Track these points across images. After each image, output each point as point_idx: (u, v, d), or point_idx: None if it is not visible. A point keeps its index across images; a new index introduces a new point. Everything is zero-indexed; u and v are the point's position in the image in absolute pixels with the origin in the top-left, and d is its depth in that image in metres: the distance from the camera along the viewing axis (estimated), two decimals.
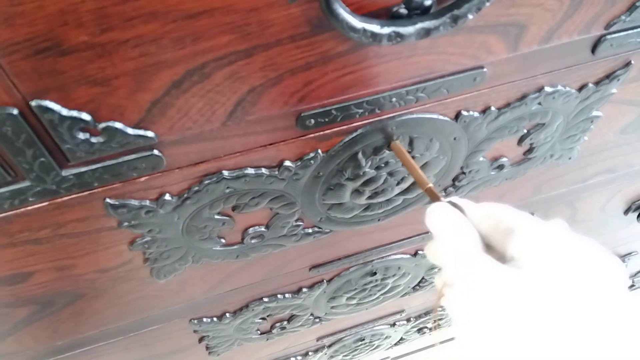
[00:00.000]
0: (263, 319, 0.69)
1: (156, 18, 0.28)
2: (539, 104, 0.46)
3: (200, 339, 0.68)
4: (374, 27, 0.31)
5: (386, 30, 0.31)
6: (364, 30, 0.31)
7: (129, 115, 0.33)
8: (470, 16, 0.32)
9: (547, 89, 0.45)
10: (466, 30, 0.36)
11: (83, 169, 0.35)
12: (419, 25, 0.32)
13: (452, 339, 1.15)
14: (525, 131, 0.50)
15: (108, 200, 0.38)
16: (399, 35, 0.32)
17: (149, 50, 0.29)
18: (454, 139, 0.46)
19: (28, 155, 0.32)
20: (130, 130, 0.33)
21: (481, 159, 0.51)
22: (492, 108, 0.45)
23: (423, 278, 0.76)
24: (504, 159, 0.53)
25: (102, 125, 0.32)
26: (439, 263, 0.33)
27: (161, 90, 0.32)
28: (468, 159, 0.50)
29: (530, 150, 0.53)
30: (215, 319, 0.63)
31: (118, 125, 0.33)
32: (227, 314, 0.64)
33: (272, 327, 0.73)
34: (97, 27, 0.27)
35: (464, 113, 0.44)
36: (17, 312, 0.47)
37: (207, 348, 0.70)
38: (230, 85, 0.33)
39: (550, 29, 0.39)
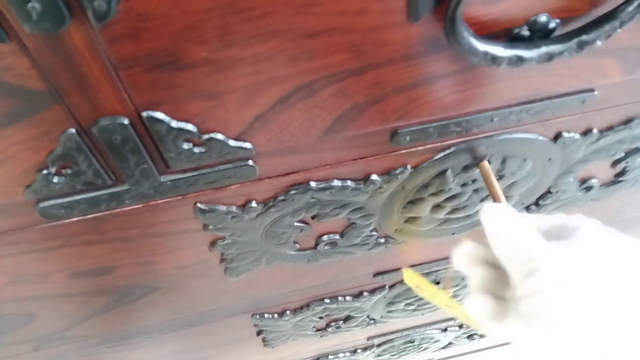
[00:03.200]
0: (321, 317, 0.69)
1: (276, 36, 0.27)
2: None
3: (259, 332, 0.68)
4: (497, 51, 0.29)
5: (508, 53, 0.30)
6: (486, 53, 0.29)
7: (232, 128, 0.32)
8: (599, 43, 0.30)
9: None
10: (585, 53, 0.34)
11: (180, 176, 0.35)
12: (543, 50, 0.30)
13: (499, 344, 1.11)
14: (622, 154, 0.47)
15: (199, 205, 0.39)
16: (520, 60, 0.30)
17: (264, 67, 0.28)
18: (549, 159, 0.44)
19: (132, 162, 0.33)
20: (231, 142, 0.33)
21: (571, 179, 0.49)
22: (594, 131, 0.42)
23: None
24: (594, 180, 0.50)
25: (206, 136, 0.32)
26: (504, 252, 0.31)
27: (267, 105, 0.31)
28: (558, 179, 0.48)
29: (622, 172, 0.50)
30: (276, 315, 0.64)
31: (220, 136, 0.32)
32: (288, 312, 0.64)
33: (328, 325, 0.73)
34: (219, 44, 0.26)
35: (565, 135, 0.42)
36: (96, 301, 0.49)
37: (263, 340, 0.71)
38: (334, 102, 0.32)
39: None
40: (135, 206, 0.37)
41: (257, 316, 0.62)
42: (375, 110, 0.34)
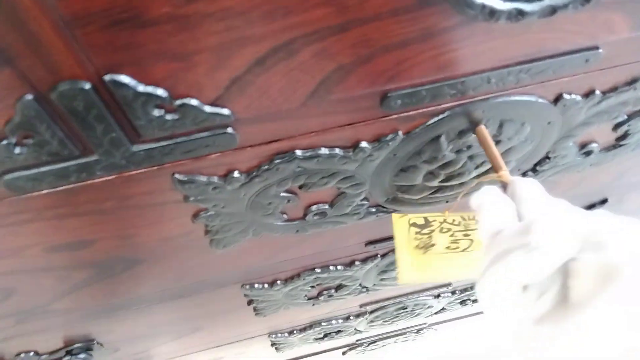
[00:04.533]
0: (312, 287, 0.68)
1: None
2: None
3: (250, 302, 0.67)
4: (495, 3, 0.26)
5: (507, 6, 0.27)
6: (483, 6, 0.26)
7: (206, 93, 0.30)
8: None
9: None
10: (591, 6, 0.31)
11: (154, 145, 0.33)
12: (546, 3, 0.27)
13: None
14: (625, 117, 0.45)
15: (177, 175, 0.36)
16: (520, 13, 0.27)
17: (235, 24, 0.26)
18: (548, 123, 0.42)
19: (98, 131, 0.30)
20: (206, 108, 0.30)
21: (570, 144, 0.46)
22: (597, 92, 0.40)
23: None
24: (594, 145, 0.48)
25: (178, 102, 0.29)
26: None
27: (243, 67, 0.28)
28: (557, 144, 0.46)
29: (624, 136, 0.48)
30: (266, 285, 0.63)
31: (194, 102, 0.30)
32: (278, 282, 0.63)
33: (320, 294, 0.72)
34: None
35: (566, 96, 0.39)
36: (76, 274, 0.47)
37: (254, 309, 0.71)
38: (316, 63, 0.30)
39: None
40: (108, 177, 0.35)
41: (247, 286, 0.61)
42: (362, 72, 0.31)
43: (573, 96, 0.39)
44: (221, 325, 0.74)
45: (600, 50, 0.35)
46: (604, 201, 0.65)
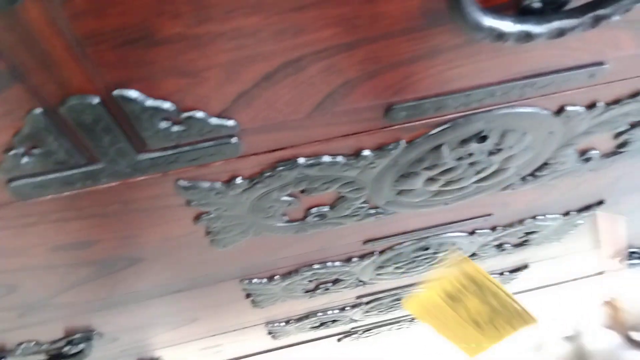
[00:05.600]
0: (310, 281, 0.69)
1: (260, 10, 0.24)
2: None
3: (248, 295, 0.68)
4: (504, 26, 0.26)
5: (516, 29, 0.27)
6: (492, 29, 0.26)
7: (213, 105, 0.30)
8: (617, 17, 0.27)
9: None
10: (598, 25, 0.31)
11: (159, 154, 0.33)
12: (555, 25, 0.27)
13: None
14: (627, 127, 0.45)
15: (180, 182, 0.37)
16: (528, 36, 0.27)
17: (246, 43, 0.26)
18: (549, 132, 0.42)
19: (105, 141, 0.30)
20: (212, 120, 0.30)
21: (571, 151, 0.47)
22: (600, 104, 0.40)
23: (474, 253, 0.74)
24: (594, 152, 0.49)
25: (185, 115, 0.30)
26: None
27: (251, 82, 0.28)
28: (557, 151, 0.46)
29: (624, 144, 0.49)
30: (265, 280, 0.63)
31: (200, 115, 0.30)
32: (277, 277, 0.64)
33: (317, 287, 0.73)
34: (194, 19, 0.24)
35: (569, 108, 0.39)
36: (78, 272, 0.48)
37: (252, 302, 0.71)
38: (324, 78, 0.30)
39: None
40: (113, 184, 0.35)
41: (246, 281, 0.62)
42: (368, 86, 0.31)
43: (576, 108, 0.40)
44: (219, 316, 0.75)
45: (606, 66, 0.35)
46: (600, 202, 0.66)
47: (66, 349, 0.67)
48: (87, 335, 0.67)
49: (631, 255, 0.98)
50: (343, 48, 0.28)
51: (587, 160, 0.50)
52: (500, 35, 0.27)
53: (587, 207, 0.66)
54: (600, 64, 0.35)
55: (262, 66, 0.28)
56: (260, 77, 0.28)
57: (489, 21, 0.26)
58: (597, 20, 0.27)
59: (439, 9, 0.27)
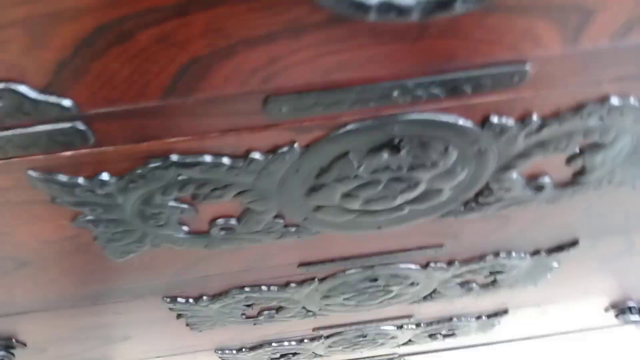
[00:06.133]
0: (247, 306, 0.63)
1: None
2: (600, 118, 0.35)
3: (179, 315, 0.63)
4: None
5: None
6: None
7: (33, 77, 0.25)
8: None
9: (614, 101, 0.34)
10: (503, 9, 0.26)
11: None
12: None
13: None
14: (577, 150, 0.39)
15: (30, 172, 0.32)
16: (393, 9, 0.22)
17: None
18: (479, 150, 0.36)
19: None
20: (34, 95, 0.26)
21: (514, 175, 0.41)
22: (534, 117, 0.34)
23: (436, 289, 0.67)
24: (546, 179, 0.42)
25: (0, 85, 0.25)
26: None
27: (67, 49, 0.24)
28: (497, 173, 0.40)
29: (581, 172, 0.42)
30: (191, 300, 0.58)
31: (21, 88, 0.26)
32: (205, 297, 0.58)
33: (259, 313, 0.67)
34: None
35: (494, 120, 0.34)
36: None
37: (187, 324, 0.66)
38: (162, 52, 0.25)
39: (630, 20, 0.27)
40: None
41: (168, 299, 0.57)
42: (227, 68, 0.27)
43: (503, 120, 0.34)
44: (153, 336, 0.70)
45: (527, 67, 0.30)
46: (574, 243, 0.58)
47: None
48: (6, 343, 0.63)
49: (629, 310, 0.89)
50: (171, 12, 0.23)
51: (539, 188, 0.43)
52: (355, 5, 0.22)
53: (559, 248, 0.58)
54: (519, 62, 0.29)
55: (73, 29, 0.23)
56: (77, 42, 0.24)
57: None
58: None
59: None
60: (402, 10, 0.22)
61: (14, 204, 0.35)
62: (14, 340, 0.62)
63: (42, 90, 0.26)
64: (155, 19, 0.23)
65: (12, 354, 0.64)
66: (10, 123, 0.28)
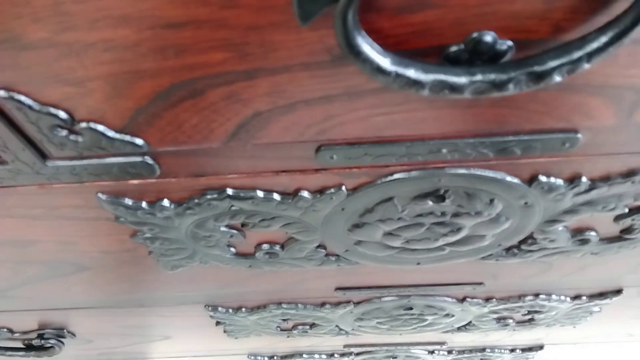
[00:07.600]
0: (283, 320, 0.65)
1: (127, 23, 0.22)
2: None
3: (218, 323, 0.66)
4: (410, 73, 0.23)
5: (428, 78, 0.23)
6: (397, 74, 0.23)
7: (111, 120, 0.28)
8: (557, 78, 0.23)
9: None
10: (556, 87, 0.26)
11: (66, 163, 0.32)
12: (478, 78, 0.23)
13: None
14: (625, 210, 0.38)
15: (100, 195, 0.35)
16: (446, 87, 0.23)
17: (124, 56, 0.24)
18: (525, 203, 0.37)
19: (10, 145, 0.29)
20: (112, 134, 0.29)
21: (560, 228, 0.41)
22: (584, 179, 0.34)
23: (471, 322, 0.67)
24: (592, 234, 0.42)
25: (83, 125, 0.28)
26: None
27: (145, 99, 0.27)
28: (542, 225, 0.40)
29: (629, 230, 0.41)
30: (231, 310, 0.61)
31: (99, 127, 0.28)
32: (244, 309, 0.61)
33: (294, 327, 0.69)
34: (58, 25, 0.22)
35: (542, 179, 0.34)
36: (27, 269, 0.47)
37: (224, 331, 0.69)
38: (229, 107, 0.27)
39: None
40: (29, 186, 0.34)
41: (210, 308, 0.60)
42: (285, 122, 0.28)
43: (552, 180, 0.34)
44: (191, 338, 0.73)
45: (579, 136, 0.30)
46: (618, 291, 0.57)
47: (36, 341, 0.68)
48: (58, 333, 0.68)
49: None
50: (240, 76, 0.25)
51: (584, 242, 0.43)
52: (411, 83, 0.23)
53: (601, 294, 0.57)
54: (572, 131, 0.30)
55: (151, 84, 0.26)
56: (153, 95, 0.26)
57: (392, 67, 0.22)
58: (536, 79, 0.23)
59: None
60: (454, 89, 0.23)
61: (82, 219, 0.39)
62: (65, 330, 0.67)
63: (119, 131, 0.29)
64: (226, 80, 0.25)
65: (62, 343, 0.69)
66: (88, 154, 0.31)
